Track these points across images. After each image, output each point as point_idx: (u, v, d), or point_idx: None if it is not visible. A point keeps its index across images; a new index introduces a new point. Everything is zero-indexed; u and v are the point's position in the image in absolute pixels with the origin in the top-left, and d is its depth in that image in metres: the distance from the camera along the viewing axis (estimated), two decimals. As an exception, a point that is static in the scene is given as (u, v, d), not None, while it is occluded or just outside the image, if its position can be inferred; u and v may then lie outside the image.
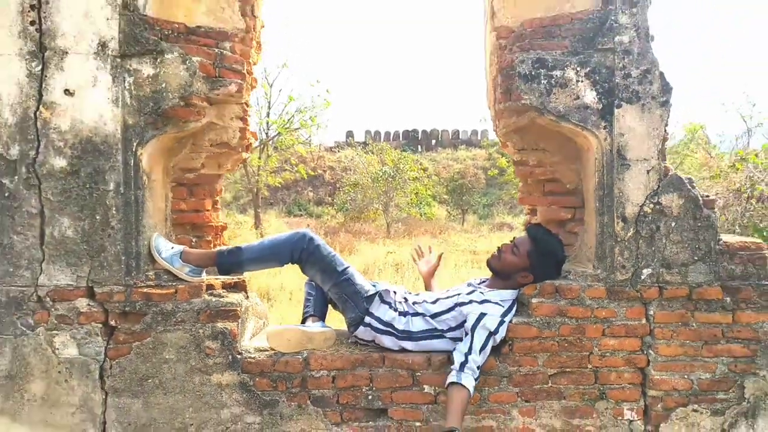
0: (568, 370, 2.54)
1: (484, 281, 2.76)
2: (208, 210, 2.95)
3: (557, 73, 2.51)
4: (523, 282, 2.61)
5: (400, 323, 2.58)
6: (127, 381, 2.53)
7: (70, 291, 2.51)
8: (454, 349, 2.47)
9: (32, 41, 2.47)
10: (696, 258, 2.52)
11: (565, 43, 2.55)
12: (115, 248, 2.53)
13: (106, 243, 2.52)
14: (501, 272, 2.66)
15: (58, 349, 2.52)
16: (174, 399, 2.53)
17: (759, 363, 2.51)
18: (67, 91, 2.48)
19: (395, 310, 2.61)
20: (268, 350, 2.60)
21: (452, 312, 2.55)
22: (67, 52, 2.47)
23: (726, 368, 2.52)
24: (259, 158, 17.70)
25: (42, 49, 2.47)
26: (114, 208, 2.52)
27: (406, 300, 2.68)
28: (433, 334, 2.57)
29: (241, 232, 15.76)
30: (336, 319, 3.09)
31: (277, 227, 18.70)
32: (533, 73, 2.52)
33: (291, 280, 8.48)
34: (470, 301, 2.55)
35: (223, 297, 2.62)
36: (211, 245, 2.95)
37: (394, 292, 2.69)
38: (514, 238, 2.76)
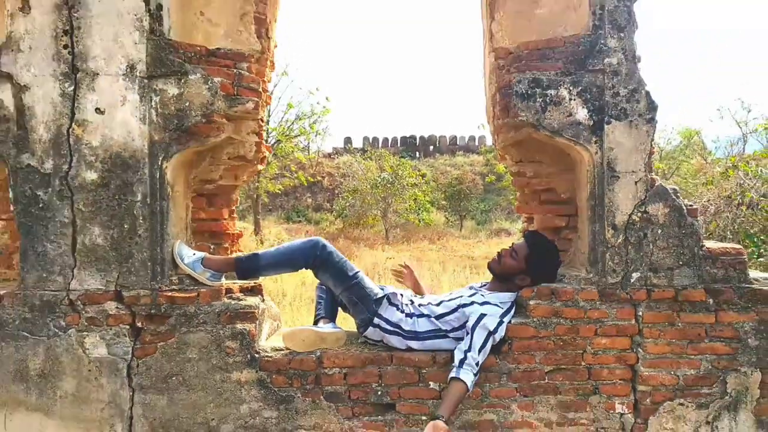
0: (563, 367, 2.73)
1: (484, 285, 2.96)
2: (225, 219, 3.14)
3: (551, 92, 2.71)
4: (522, 284, 2.81)
5: (407, 324, 2.77)
6: (153, 378, 2.71)
7: (99, 295, 2.70)
8: (456, 347, 2.66)
9: (65, 63, 2.67)
10: (681, 263, 2.72)
11: (559, 64, 2.75)
12: (141, 255, 2.72)
13: (134, 250, 2.71)
14: (501, 275, 2.85)
15: (88, 349, 2.70)
16: (197, 395, 2.72)
17: (740, 360, 2.71)
18: (98, 110, 2.67)
19: (402, 311, 2.80)
20: (283, 349, 2.79)
21: (455, 313, 2.74)
22: (98, 74, 2.67)
23: (709, 365, 2.71)
24: (259, 165, 17.85)
25: (74, 71, 2.67)
26: (141, 218, 2.71)
27: (412, 302, 2.87)
28: (437, 334, 2.76)
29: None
30: (345, 321, 3.27)
31: (277, 234, 18.89)
32: (529, 92, 2.72)
33: (291, 286, 8.68)
34: (472, 303, 2.74)
35: (241, 300, 2.81)
36: (228, 252, 3.14)
37: (401, 295, 2.88)
38: (513, 243, 2.96)
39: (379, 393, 2.72)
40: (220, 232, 3.11)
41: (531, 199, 3.15)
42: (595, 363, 2.73)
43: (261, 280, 3.04)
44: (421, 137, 33.22)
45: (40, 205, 2.69)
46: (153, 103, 2.70)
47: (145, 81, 2.69)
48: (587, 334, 2.72)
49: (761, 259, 7.40)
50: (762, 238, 7.77)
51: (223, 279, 2.86)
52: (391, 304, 2.82)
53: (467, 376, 2.54)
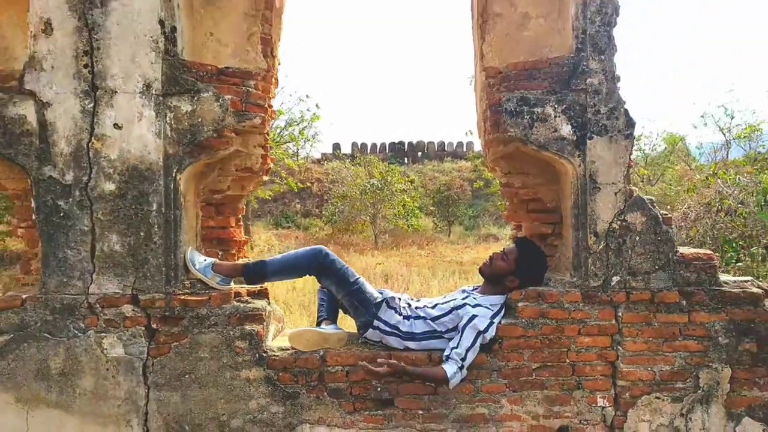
0: (549, 364, 2.94)
1: (476, 288, 3.17)
2: (232, 227, 3.33)
3: (538, 109, 2.94)
4: (511, 286, 3.02)
5: (405, 326, 2.97)
6: (167, 376, 2.90)
7: (117, 298, 2.89)
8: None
9: (85, 82, 2.86)
10: (657, 267, 2.94)
11: (545, 84, 2.98)
12: (156, 260, 2.90)
13: (149, 256, 2.90)
14: (491, 277, 3.06)
15: (106, 349, 2.88)
16: (208, 392, 2.90)
17: (711, 357, 2.93)
18: (116, 125, 2.86)
19: (400, 314, 3.00)
20: (289, 349, 2.98)
21: (449, 315, 2.95)
22: (116, 92, 2.86)
23: (683, 361, 2.94)
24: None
25: (94, 89, 2.86)
26: (156, 226, 2.90)
27: (409, 305, 3.08)
28: (433, 335, 2.96)
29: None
30: (345, 322, 3.47)
31: (267, 239, 18.98)
32: (517, 109, 2.94)
33: (281, 291, 8.85)
34: (464, 305, 2.95)
35: (249, 303, 3.00)
36: (235, 258, 3.33)
37: (399, 299, 3.09)
38: (504, 248, 3.17)
39: (379, 389, 2.92)
40: (227, 239, 3.30)
41: (519, 208, 3.36)
42: (578, 360, 2.94)
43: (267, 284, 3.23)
44: (410, 143, 33.38)
45: (61, 214, 2.86)
46: (168, 119, 2.89)
47: (161, 98, 2.88)
48: (571, 333, 2.94)
49: (739, 264, 7.68)
50: (741, 243, 8.06)
51: (232, 283, 3.05)
52: (389, 307, 3.02)
53: (449, 367, 2.76)
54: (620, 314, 2.94)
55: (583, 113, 2.93)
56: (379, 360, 2.79)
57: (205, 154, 2.97)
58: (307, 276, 3.08)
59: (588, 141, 2.93)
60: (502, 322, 2.95)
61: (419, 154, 32.96)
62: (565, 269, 3.10)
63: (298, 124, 19.91)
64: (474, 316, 2.88)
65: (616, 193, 2.94)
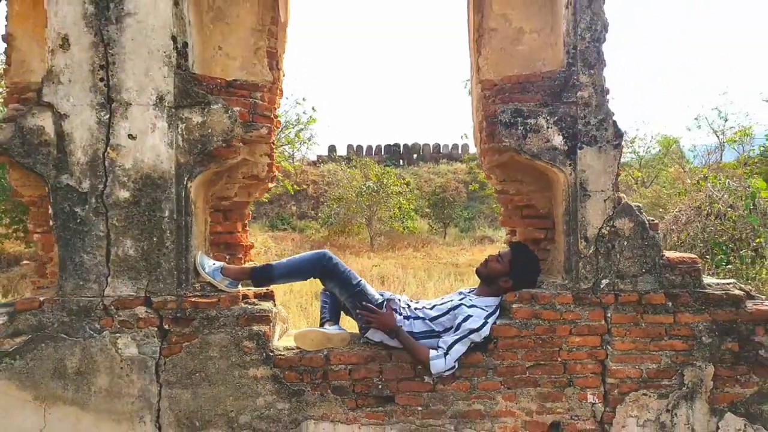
0: (542, 362, 3.10)
1: (473, 290, 3.32)
2: (239, 232, 3.48)
3: (531, 121, 3.09)
4: (504, 286, 3.18)
5: (404, 326, 3.11)
6: (179, 375, 3.04)
7: (131, 300, 3.03)
8: None
9: (101, 94, 3.00)
10: (644, 270, 3.10)
11: (538, 96, 3.14)
12: (168, 264, 3.05)
13: (162, 260, 3.04)
14: (487, 277, 3.22)
15: (120, 349, 3.02)
16: (217, 389, 3.05)
17: (695, 355, 3.10)
18: (130, 136, 3.01)
19: (400, 314, 3.15)
20: (294, 348, 3.13)
21: (447, 315, 3.10)
22: (130, 104, 3.00)
23: (669, 360, 3.10)
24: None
25: (109, 101, 3.00)
26: (168, 232, 3.04)
27: (408, 306, 3.23)
28: (431, 334, 3.11)
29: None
30: (347, 324, 3.61)
31: (263, 241, 19.08)
32: (512, 120, 3.10)
33: (279, 293, 8.98)
34: (460, 305, 3.10)
35: (257, 305, 3.15)
36: (242, 261, 3.48)
37: (399, 300, 3.24)
38: (499, 251, 3.33)
39: (380, 387, 3.07)
40: (234, 243, 3.44)
41: (514, 214, 3.52)
42: (569, 359, 3.10)
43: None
44: (405, 145, 33.47)
45: (78, 221, 3.01)
46: (179, 130, 3.03)
47: (173, 110, 3.02)
48: (563, 333, 3.09)
49: (729, 266, 7.86)
50: (731, 246, 8.24)
51: (240, 286, 3.20)
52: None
53: (433, 351, 2.96)
54: (609, 315, 3.10)
55: (574, 124, 3.09)
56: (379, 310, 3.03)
57: (214, 163, 3.11)
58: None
59: (578, 151, 3.09)
60: (498, 322, 3.10)
61: (414, 156, 33.05)
62: (557, 272, 3.26)
63: (294, 127, 20.04)
64: (469, 316, 3.03)
65: (605, 200, 3.10)
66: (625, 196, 3.21)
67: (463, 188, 26.26)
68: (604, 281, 3.10)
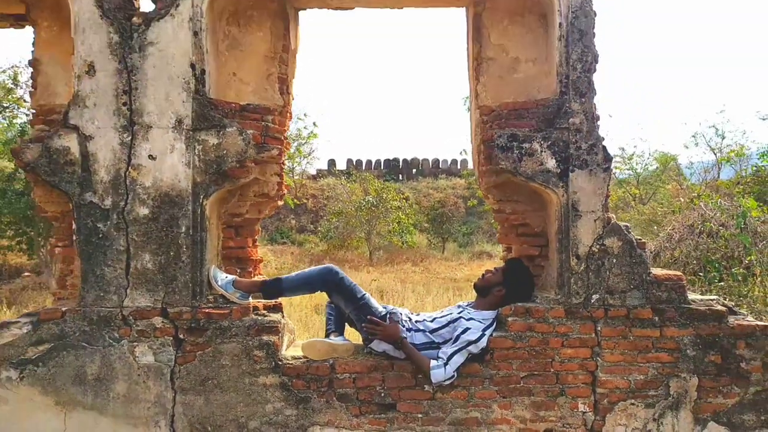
0: (535, 373, 3.28)
1: (470, 303, 3.51)
2: (249, 247, 3.67)
3: (526, 145, 3.30)
4: (498, 295, 3.37)
5: (406, 337, 3.30)
6: (192, 382, 3.22)
7: (148, 311, 3.21)
8: None
9: (124, 118, 3.20)
10: (632, 286, 3.29)
11: (532, 122, 3.35)
12: (184, 277, 3.24)
13: (178, 273, 3.23)
14: (482, 289, 3.42)
15: (137, 357, 3.20)
16: (229, 396, 3.22)
17: (680, 367, 3.28)
18: (150, 156, 3.21)
19: (402, 326, 3.33)
20: (302, 358, 3.31)
21: (446, 328, 3.29)
22: (151, 127, 3.21)
23: (656, 371, 3.28)
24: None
25: (131, 124, 3.21)
26: (184, 246, 3.23)
27: (409, 319, 3.41)
28: (431, 345, 3.30)
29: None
30: (352, 335, 3.79)
31: (262, 255, 19.21)
32: (508, 145, 3.30)
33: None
34: (459, 318, 3.29)
35: (266, 316, 3.33)
36: (252, 275, 3.66)
37: (401, 313, 3.43)
38: (495, 267, 3.53)
39: (382, 394, 3.25)
40: (245, 258, 3.63)
41: (510, 232, 3.72)
42: (562, 370, 3.28)
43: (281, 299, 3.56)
44: (404, 160, 33.65)
45: (100, 236, 3.20)
46: (196, 151, 3.23)
47: (191, 133, 3.22)
48: (555, 345, 3.28)
49: (722, 284, 8.05)
50: (723, 264, 8.43)
51: (250, 298, 3.38)
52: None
53: (434, 361, 3.14)
54: (599, 328, 3.28)
55: (566, 149, 3.29)
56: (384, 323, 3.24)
57: (228, 182, 3.31)
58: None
59: (570, 173, 3.29)
60: (494, 335, 3.28)
61: (414, 170, 33.22)
62: (551, 287, 3.45)
63: (294, 141, 20.24)
64: (468, 329, 3.22)
65: (595, 220, 3.29)
66: (614, 216, 3.41)
67: (461, 203, 26.38)
68: (595, 296, 3.29)
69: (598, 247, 3.30)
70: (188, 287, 3.24)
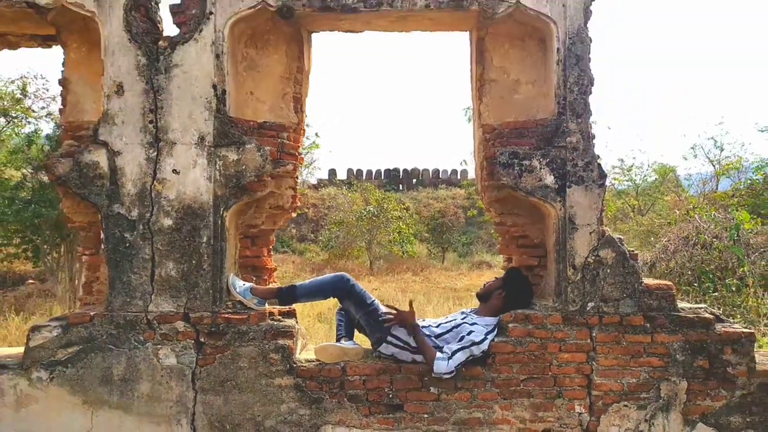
0: (534, 376, 3.48)
1: (473, 310, 3.73)
2: (264, 256, 3.88)
3: (526, 162, 3.52)
4: (499, 298, 3.59)
5: (413, 341, 3.51)
6: (212, 383, 3.42)
7: (171, 316, 3.43)
8: None
9: (150, 135, 3.43)
10: (625, 295, 3.50)
11: (532, 141, 3.58)
12: (205, 284, 3.45)
13: (199, 280, 3.45)
14: (484, 295, 3.66)
15: (161, 359, 3.41)
16: (246, 396, 3.43)
17: (670, 371, 3.48)
18: (174, 171, 3.43)
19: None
20: (315, 361, 3.52)
21: (451, 333, 3.50)
22: (175, 143, 3.43)
23: (647, 375, 3.48)
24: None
25: (157, 140, 3.43)
26: (205, 255, 3.45)
27: (416, 324, 3.62)
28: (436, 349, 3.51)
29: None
30: (361, 340, 4.00)
31: (265, 263, 19.34)
32: (509, 162, 3.52)
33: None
34: (463, 324, 3.51)
35: (282, 321, 3.54)
36: (267, 282, 3.87)
37: (407, 318, 3.63)
38: (496, 276, 3.75)
39: (391, 396, 3.45)
40: (261, 266, 3.85)
41: (510, 243, 3.93)
42: (559, 373, 3.48)
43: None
44: (405, 170, 33.84)
45: (127, 245, 3.42)
46: (217, 166, 3.45)
47: (212, 149, 3.45)
48: (553, 350, 3.48)
49: (716, 294, 8.26)
50: (717, 275, 8.65)
51: (267, 304, 3.59)
52: (400, 326, 3.55)
53: (439, 353, 3.34)
54: (594, 334, 3.49)
55: (564, 166, 3.51)
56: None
57: (246, 195, 3.53)
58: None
59: (567, 189, 3.51)
60: (495, 340, 3.49)
61: (414, 181, 33.40)
62: (549, 296, 3.66)
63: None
64: (472, 331, 3.43)
65: (591, 233, 3.51)
66: (613, 227, 3.62)
67: (461, 213, 26.52)
68: (590, 304, 3.50)
69: (593, 258, 3.51)
70: (209, 293, 3.45)
